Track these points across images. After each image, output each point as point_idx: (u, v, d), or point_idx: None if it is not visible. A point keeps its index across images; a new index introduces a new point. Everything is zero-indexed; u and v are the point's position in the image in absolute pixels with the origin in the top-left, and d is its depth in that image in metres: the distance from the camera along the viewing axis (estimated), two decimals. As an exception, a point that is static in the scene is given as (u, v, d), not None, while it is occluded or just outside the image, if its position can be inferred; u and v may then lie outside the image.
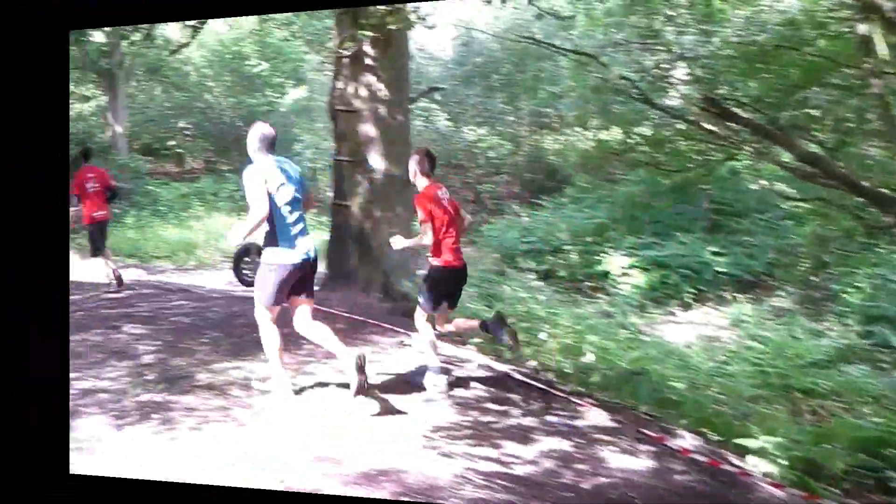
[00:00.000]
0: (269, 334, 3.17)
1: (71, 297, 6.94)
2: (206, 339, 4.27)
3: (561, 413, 3.17)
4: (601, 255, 6.38)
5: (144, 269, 8.17)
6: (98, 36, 12.67)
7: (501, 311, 3.88)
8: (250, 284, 4.96)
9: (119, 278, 6.25)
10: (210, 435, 2.74)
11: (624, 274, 5.97)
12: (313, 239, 3.20)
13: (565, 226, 7.31)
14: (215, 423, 2.86)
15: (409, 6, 6.08)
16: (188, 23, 7.09)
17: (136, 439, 2.70)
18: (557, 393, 3.48)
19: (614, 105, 10.65)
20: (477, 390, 3.53)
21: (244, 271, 5.07)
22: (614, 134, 11.02)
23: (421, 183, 3.38)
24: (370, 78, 5.74)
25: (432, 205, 3.27)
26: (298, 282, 3.08)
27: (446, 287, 3.44)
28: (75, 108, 16.11)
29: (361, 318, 4.74)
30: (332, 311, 5.19)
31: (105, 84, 13.38)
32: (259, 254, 4.88)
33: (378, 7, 5.44)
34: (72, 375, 3.46)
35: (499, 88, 13.81)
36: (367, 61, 5.73)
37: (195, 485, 2.39)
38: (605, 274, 6.08)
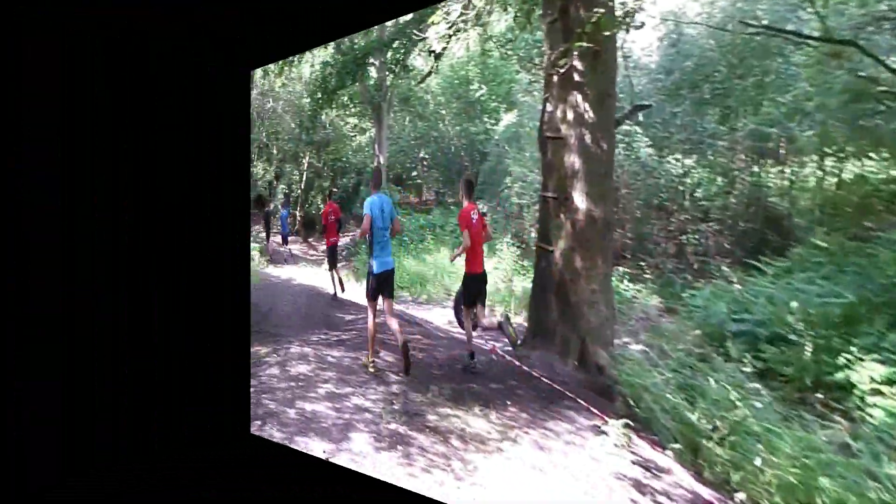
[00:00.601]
0: (370, 320, 5.18)
1: (346, 317, 8.40)
2: (434, 379, 4.88)
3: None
4: (844, 355, 4.99)
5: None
6: (373, 71, 14.37)
7: (508, 314, 5.96)
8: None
9: (335, 295, 8.42)
10: (437, 481, 3.17)
11: (877, 391, 4.55)
12: (393, 256, 5.15)
13: (795, 304, 5.93)
14: (440, 471, 3.29)
15: (617, 1, 5.69)
16: (435, 49, 7.58)
17: (385, 465, 3.31)
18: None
19: (877, 118, 8.04)
20: (675, 512, 3.17)
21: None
22: (876, 165, 8.33)
23: (464, 203, 5.51)
24: (577, 97, 5.57)
25: (467, 221, 5.35)
26: (383, 284, 5.07)
27: (471, 288, 5.42)
28: (356, 140, 18.88)
29: (559, 388, 4.68)
30: (533, 372, 5.14)
31: (374, 117, 15.18)
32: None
33: (593, 10, 5.21)
34: (346, 390, 4.13)
35: (710, 102, 12.03)
36: (576, 77, 5.57)
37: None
38: (849, 386, 4.67)
